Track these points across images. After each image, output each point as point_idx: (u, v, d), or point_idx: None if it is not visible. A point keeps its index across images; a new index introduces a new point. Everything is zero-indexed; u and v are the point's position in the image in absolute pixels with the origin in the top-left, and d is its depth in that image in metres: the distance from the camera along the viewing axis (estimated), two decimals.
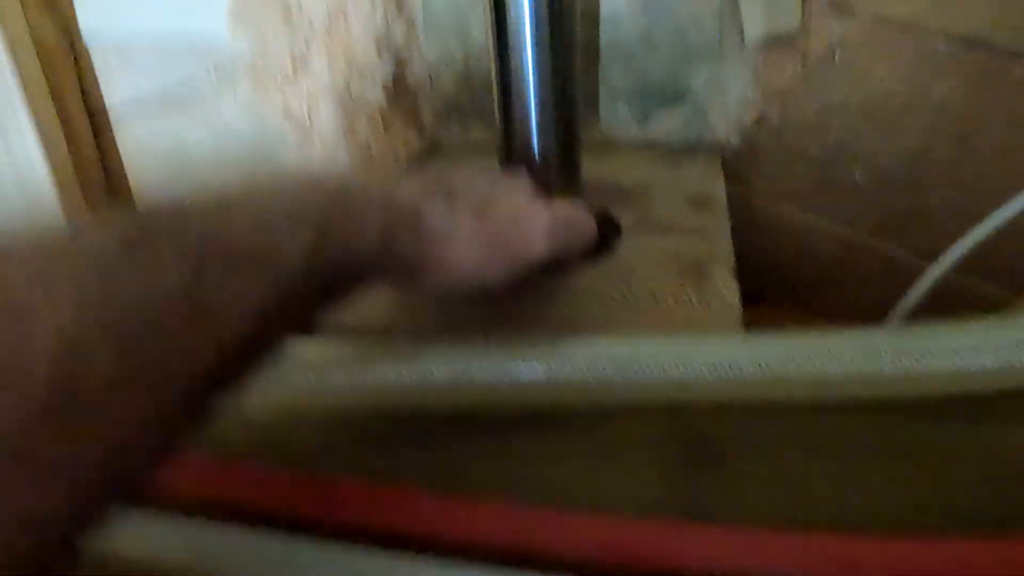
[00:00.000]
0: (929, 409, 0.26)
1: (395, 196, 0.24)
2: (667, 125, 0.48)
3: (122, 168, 0.56)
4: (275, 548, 0.23)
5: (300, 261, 0.19)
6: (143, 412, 0.15)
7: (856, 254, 0.48)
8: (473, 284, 0.26)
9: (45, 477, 0.14)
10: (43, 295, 0.15)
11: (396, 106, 0.49)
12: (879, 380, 0.26)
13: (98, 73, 0.53)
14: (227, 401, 0.19)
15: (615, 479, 0.25)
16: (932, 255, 0.46)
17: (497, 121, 0.37)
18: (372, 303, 0.35)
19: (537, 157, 0.36)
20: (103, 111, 0.54)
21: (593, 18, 0.45)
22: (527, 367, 0.27)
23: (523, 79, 0.34)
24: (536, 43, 0.33)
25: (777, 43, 0.43)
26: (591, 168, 0.42)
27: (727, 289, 0.34)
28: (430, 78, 0.49)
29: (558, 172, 0.37)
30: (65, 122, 0.52)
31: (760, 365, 0.26)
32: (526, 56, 0.33)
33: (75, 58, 0.52)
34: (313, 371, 0.29)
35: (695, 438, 0.27)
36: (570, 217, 0.29)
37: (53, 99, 0.52)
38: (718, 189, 0.43)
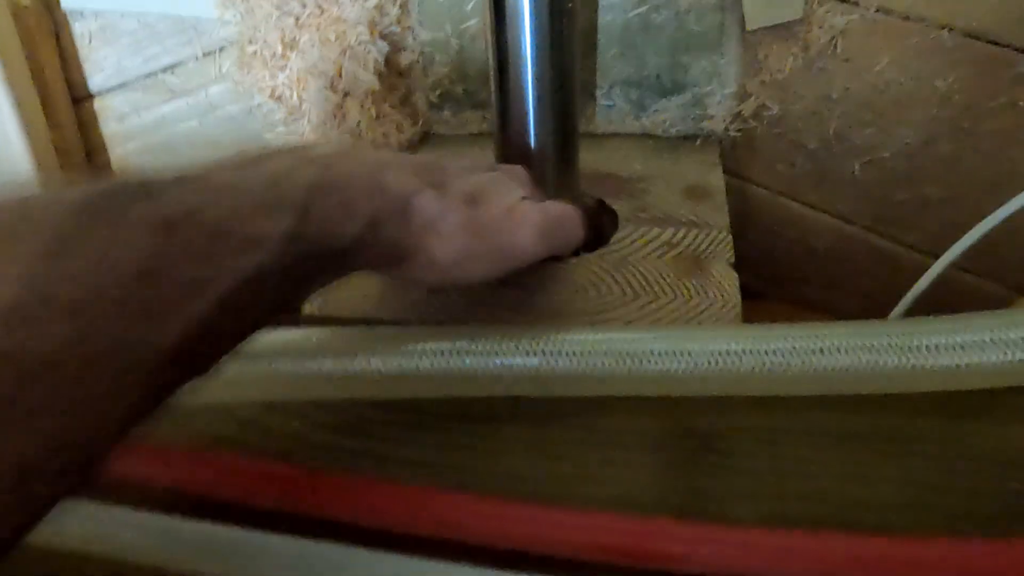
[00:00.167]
0: (930, 405, 0.26)
1: (384, 182, 0.23)
2: (665, 115, 0.47)
3: (104, 149, 0.54)
4: (245, 540, 0.23)
5: (277, 244, 0.18)
6: (98, 389, 0.14)
7: (855, 247, 0.48)
8: (459, 279, 0.25)
9: None
10: None
11: (388, 91, 0.48)
12: (880, 375, 0.25)
13: (80, 52, 0.51)
14: (197, 385, 0.18)
15: (612, 474, 0.25)
16: (932, 249, 0.46)
17: (493, 109, 0.36)
18: (361, 291, 0.34)
19: (533, 146, 0.35)
20: (86, 90, 0.53)
21: (591, 5, 0.44)
22: (521, 359, 0.26)
23: (521, 66, 0.33)
24: (535, 29, 0.32)
25: (778, 33, 0.43)
26: (588, 158, 0.41)
27: (726, 282, 0.33)
28: (424, 63, 0.48)
29: (554, 162, 0.36)
30: (46, 102, 0.51)
31: (759, 359, 0.26)
32: (524, 43, 0.32)
33: (57, 37, 0.51)
34: (301, 359, 0.28)
35: (693, 433, 0.26)
36: (562, 216, 0.28)
37: (34, 79, 0.50)
38: (716, 180, 0.43)
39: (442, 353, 0.27)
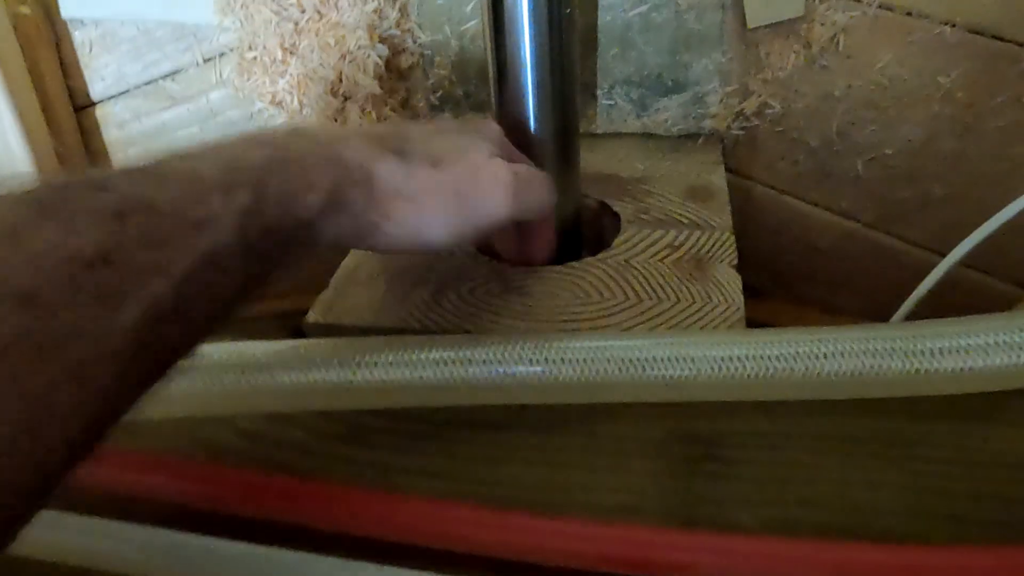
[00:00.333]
0: (935, 409, 0.26)
1: (342, 154, 0.23)
2: (666, 114, 0.47)
3: (106, 155, 0.55)
4: (245, 553, 0.23)
5: (232, 222, 0.18)
6: (60, 374, 0.15)
7: (858, 245, 0.48)
8: (431, 243, 0.25)
9: None
10: None
11: (389, 93, 0.48)
12: (884, 379, 0.25)
13: (81, 60, 0.51)
14: (168, 372, 0.18)
15: (614, 481, 0.25)
16: (936, 246, 0.45)
17: (493, 110, 0.36)
18: (365, 299, 0.34)
19: (534, 147, 0.35)
20: (87, 98, 0.53)
21: (591, 5, 0.44)
22: (524, 368, 0.26)
23: (520, 67, 0.33)
24: (534, 29, 0.32)
25: (780, 30, 0.43)
26: (589, 158, 0.41)
27: (728, 283, 0.33)
28: (424, 65, 0.48)
29: (556, 164, 0.36)
30: (47, 109, 0.51)
31: (762, 364, 0.25)
32: (523, 43, 0.32)
33: (57, 45, 0.51)
34: (304, 370, 0.28)
35: (696, 438, 0.26)
36: (531, 178, 0.28)
37: (35, 86, 0.50)
38: (719, 180, 0.42)
39: (445, 362, 0.27)
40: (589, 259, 0.36)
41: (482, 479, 0.25)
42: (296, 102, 0.47)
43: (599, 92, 0.47)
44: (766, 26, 0.42)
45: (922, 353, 0.25)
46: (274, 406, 0.28)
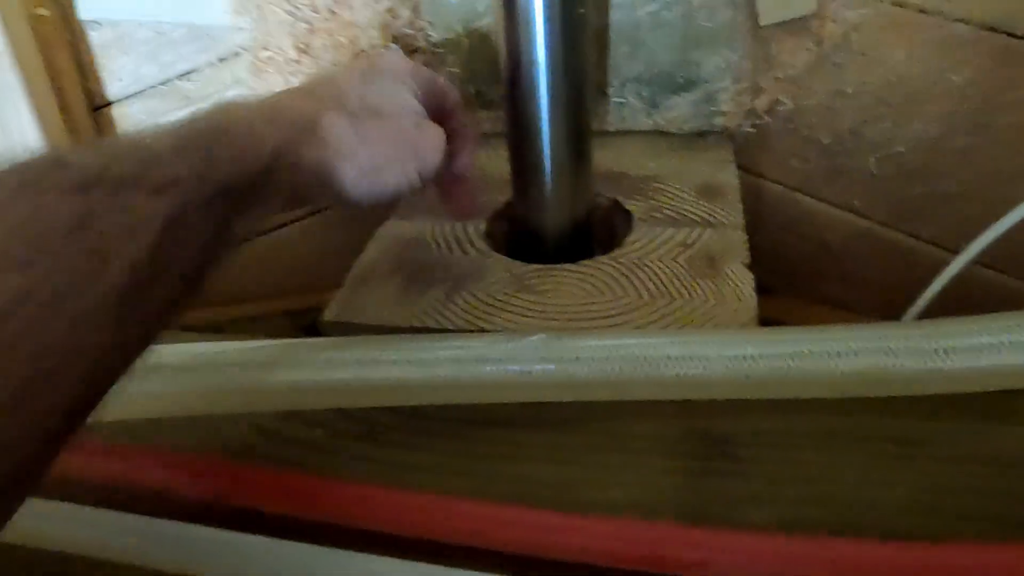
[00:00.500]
0: (947, 408, 0.26)
1: (283, 112, 0.25)
2: (678, 112, 0.47)
3: None
4: (261, 547, 0.23)
5: (191, 184, 0.20)
6: (61, 327, 0.16)
7: (870, 242, 0.48)
8: (382, 191, 0.26)
9: None
10: None
11: None
12: (897, 378, 0.25)
13: (97, 61, 0.52)
14: (153, 337, 0.20)
15: (627, 479, 0.25)
16: (948, 243, 0.45)
17: (505, 108, 0.36)
18: (379, 297, 0.35)
19: (547, 148, 0.35)
20: (103, 98, 0.53)
21: (602, 2, 0.44)
22: (539, 366, 0.27)
23: (533, 65, 0.33)
24: (547, 28, 0.32)
25: (791, 27, 0.42)
26: (600, 157, 0.41)
27: (741, 281, 0.33)
28: (436, 64, 0.48)
29: (568, 164, 0.36)
30: (64, 110, 0.52)
31: (775, 363, 0.26)
32: (536, 42, 0.32)
33: (74, 46, 0.51)
34: (320, 369, 0.28)
35: (709, 437, 0.26)
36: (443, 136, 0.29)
37: (52, 87, 0.51)
38: (731, 178, 0.42)
39: (461, 361, 0.27)
40: (601, 258, 0.36)
41: (497, 476, 0.25)
42: None
43: (610, 90, 0.48)
44: (778, 23, 0.42)
45: (935, 352, 0.25)
46: (291, 404, 0.29)
